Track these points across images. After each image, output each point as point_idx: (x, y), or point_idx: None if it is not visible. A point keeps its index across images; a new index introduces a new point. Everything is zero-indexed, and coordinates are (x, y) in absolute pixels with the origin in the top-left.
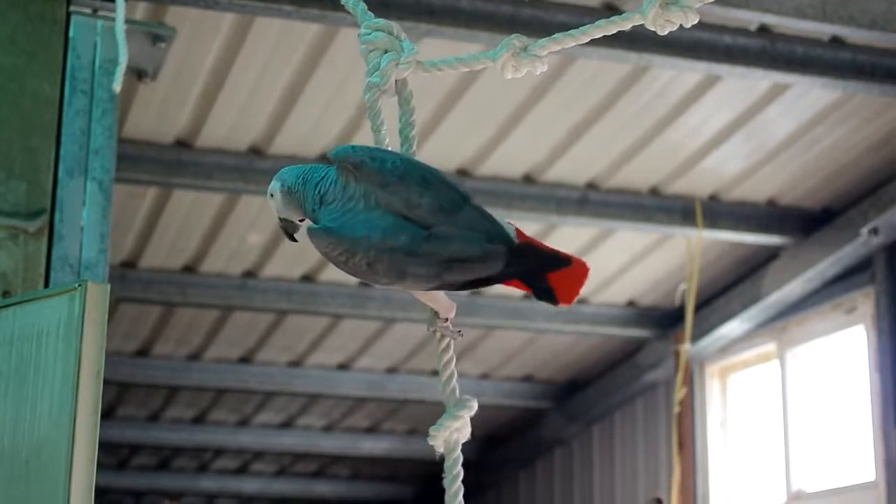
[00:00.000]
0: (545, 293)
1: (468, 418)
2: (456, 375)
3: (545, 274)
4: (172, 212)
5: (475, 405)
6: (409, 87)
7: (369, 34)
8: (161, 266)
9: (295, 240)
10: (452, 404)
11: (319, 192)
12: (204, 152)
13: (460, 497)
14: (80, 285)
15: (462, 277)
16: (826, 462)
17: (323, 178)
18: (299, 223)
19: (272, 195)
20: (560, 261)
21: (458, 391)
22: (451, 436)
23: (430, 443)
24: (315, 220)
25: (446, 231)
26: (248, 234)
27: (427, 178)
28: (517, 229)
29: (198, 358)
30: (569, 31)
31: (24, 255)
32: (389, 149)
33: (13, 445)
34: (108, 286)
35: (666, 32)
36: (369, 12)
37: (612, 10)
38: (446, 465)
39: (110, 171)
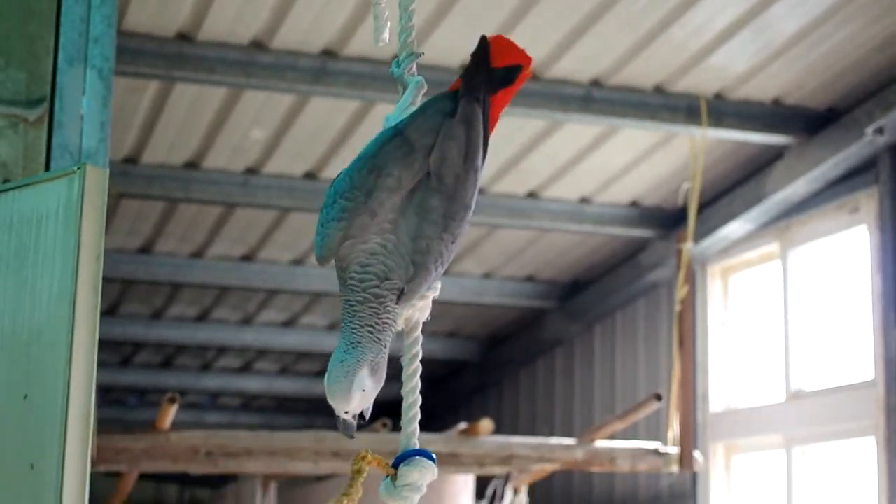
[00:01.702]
0: (511, 74)
1: (430, 300)
2: None
3: (493, 68)
4: (174, 106)
5: (439, 287)
6: None
7: None
8: (163, 162)
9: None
10: None
11: (379, 284)
12: (206, 46)
13: (417, 378)
14: (78, 168)
15: (479, 145)
16: (826, 361)
17: (361, 294)
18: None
19: (364, 389)
20: (484, 49)
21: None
22: (414, 315)
23: None
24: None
25: (434, 158)
26: (250, 129)
27: (371, 165)
28: (452, 87)
29: (201, 255)
30: None
31: (24, 144)
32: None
33: (13, 330)
34: (108, 170)
35: None
36: None
37: None
38: (405, 343)
39: (110, 60)
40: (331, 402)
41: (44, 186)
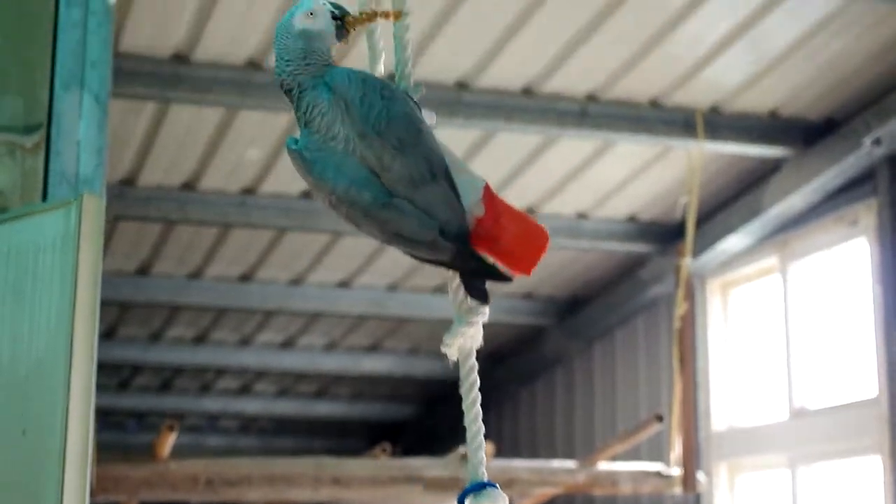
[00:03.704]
0: (487, 278)
1: (480, 325)
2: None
3: (486, 275)
4: (170, 128)
5: (487, 311)
6: None
7: None
8: (160, 183)
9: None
10: (464, 311)
11: (307, 113)
12: (201, 66)
13: (478, 405)
14: (75, 199)
15: (409, 252)
16: (828, 378)
17: (316, 100)
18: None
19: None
20: (499, 275)
21: (468, 300)
22: (466, 343)
23: (444, 350)
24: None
25: (405, 206)
26: (246, 149)
27: (404, 140)
28: (485, 193)
29: (198, 276)
30: None
31: (22, 171)
32: (382, 72)
33: (12, 362)
34: (104, 199)
35: None
36: None
37: None
38: (462, 372)
39: (106, 85)
40: None
41: (41, 217)
